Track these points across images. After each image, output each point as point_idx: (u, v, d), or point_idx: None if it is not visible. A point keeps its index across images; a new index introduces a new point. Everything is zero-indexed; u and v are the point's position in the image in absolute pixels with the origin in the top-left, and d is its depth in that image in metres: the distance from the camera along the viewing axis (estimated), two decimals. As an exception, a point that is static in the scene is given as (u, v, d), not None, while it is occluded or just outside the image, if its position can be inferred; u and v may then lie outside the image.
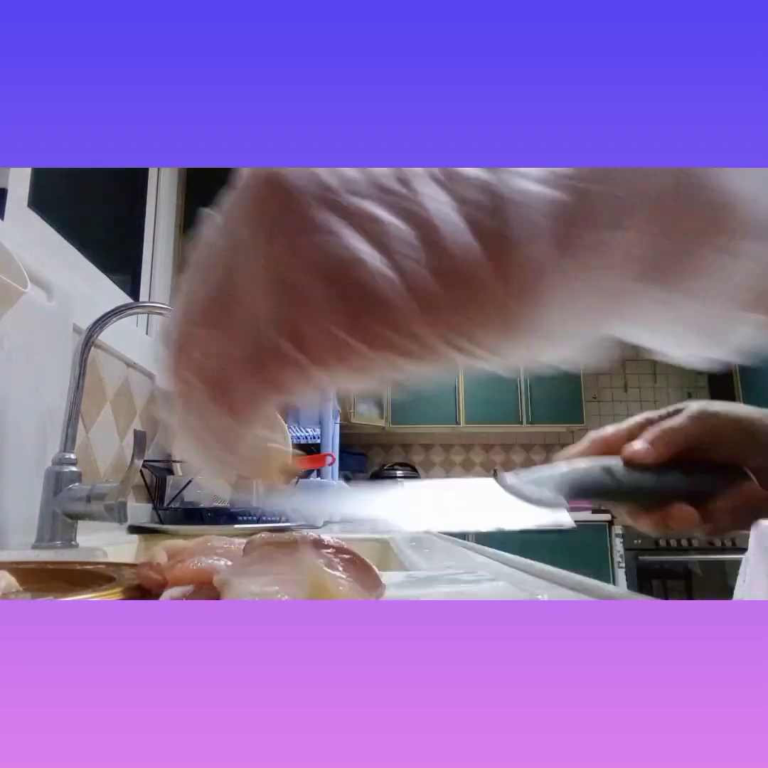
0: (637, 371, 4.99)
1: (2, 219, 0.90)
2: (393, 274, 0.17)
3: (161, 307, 1.05)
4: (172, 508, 1.25)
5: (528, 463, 4.80)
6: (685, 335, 0.21)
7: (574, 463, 0.43)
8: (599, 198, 0.18)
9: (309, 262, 0.18)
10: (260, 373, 0.19)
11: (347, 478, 4.14)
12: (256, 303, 0.19)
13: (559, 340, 0.19)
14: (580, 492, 0.42)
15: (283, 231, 0.19)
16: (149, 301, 1.51)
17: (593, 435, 0.47)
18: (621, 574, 3.42)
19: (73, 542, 0.85)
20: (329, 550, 0.34)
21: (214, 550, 0.36)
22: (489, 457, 4.79)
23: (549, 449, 4.75)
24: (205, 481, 0.24)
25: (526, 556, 0.68)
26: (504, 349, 0.19)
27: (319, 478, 1.78)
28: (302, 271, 0.18)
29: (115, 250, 1.47)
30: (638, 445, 0.42)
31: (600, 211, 0.18)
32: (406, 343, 0.18)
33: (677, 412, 0.44)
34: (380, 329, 0.17)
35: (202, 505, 1.27)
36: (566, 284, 0.18)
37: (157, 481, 1.43)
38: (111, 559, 0.84)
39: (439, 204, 0.17)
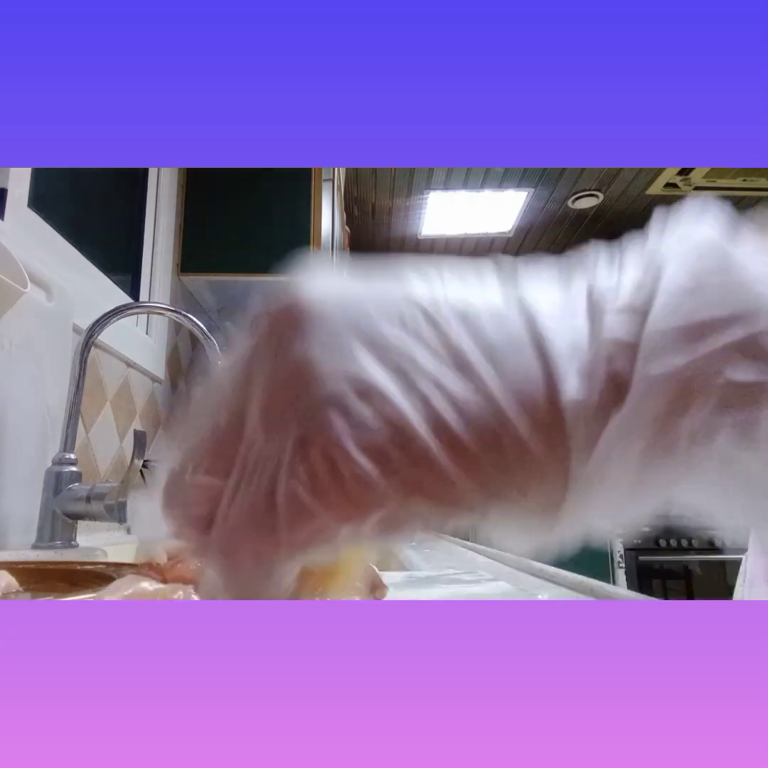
0: (637, 371, 4.98)
1: (2, 219, 0.90)
2: (427, 422, 0.15)
3: (161, 307, 1.05)
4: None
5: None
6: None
7: None
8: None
9: (333, 395, 0.16)
10: (273, 535, 0.16)
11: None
12: (268, 445, 0.17)
13: (610, 512, 0.17)
14: None
15: (304, 358, 0.16)
16: (149, 301, 1.51)
17: None
18: (621, 574, 3.42)
19: (73, 542, 0.85)
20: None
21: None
22: (489, 457, 4.77)
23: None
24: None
25: (525, 556, 0.68)
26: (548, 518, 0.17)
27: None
28: (326, 406, 0.16)
29: (115, 250, 1.47)
30: None
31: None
32: (439, 491, 0.16)
33: None
34: (414, 474, 0.16)
35: (202, 505, 1.26)
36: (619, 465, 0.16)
37: (157, 481, 1.42)
38: (111, 559, 0.84)
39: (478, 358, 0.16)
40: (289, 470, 0.16)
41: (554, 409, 0.15)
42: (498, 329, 0.16)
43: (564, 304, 0.17)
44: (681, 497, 0.17)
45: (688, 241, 0.17)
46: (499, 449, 0.15)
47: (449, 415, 0.15)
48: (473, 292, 0.17)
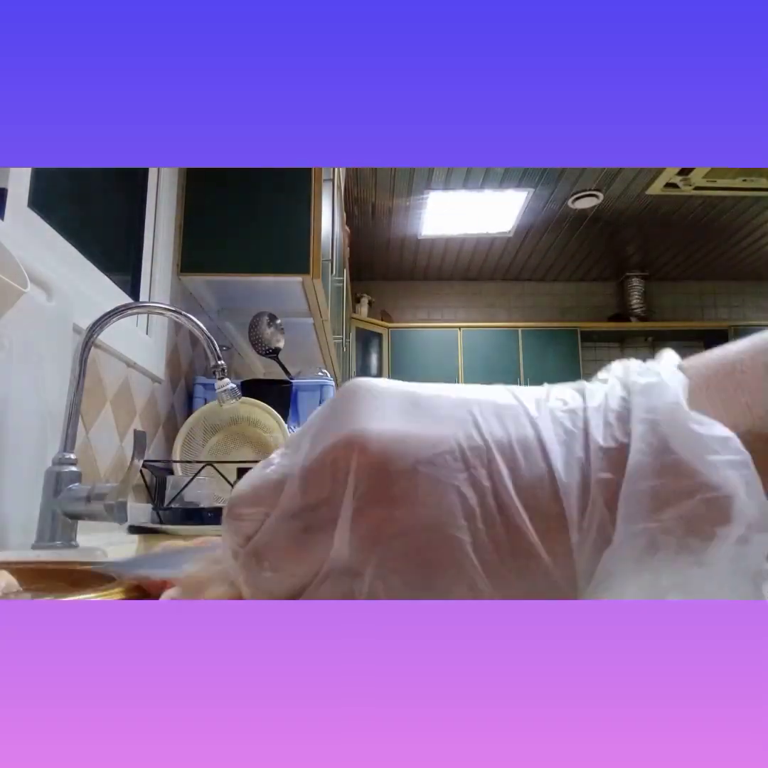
0: (637, 371, 4.98)
1: (2, 219, 0.90)
2: (469, 546, 0.20)
3: (161, 307, 1.05)
4: (172, 508, 1.25)
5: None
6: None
7: None
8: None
9: (405, 531, 0.20)
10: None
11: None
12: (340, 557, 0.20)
13: None
14: None
15: (377, 501, 0.20)
16: (149, 301, 1.51)
17: None
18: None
19: (73, 542, 0.85)
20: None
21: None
22: (489, 457, 4.77)
23: (549, 449, 4.74)
24: None
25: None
26: None
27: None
28: (388, 536, 0.20)
29: (115, 250, 1.47)
30: None
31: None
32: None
33: None
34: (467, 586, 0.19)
35: (202, 505, 1.27)
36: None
37: (157, 481, 1.43)
38: (111, 559, 0.84)
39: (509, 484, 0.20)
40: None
41: (565, 541, 0.20)
42: (526, 466, 0.20)
43: (572, 437, 0.21)
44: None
45: (654, 408, 0.21)
46: (524, 572, 0.19)
47: (488, 539, 0.20)
48: (509, 429, 0.21)
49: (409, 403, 0.22)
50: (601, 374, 0.24)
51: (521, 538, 0.19)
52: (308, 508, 0.21)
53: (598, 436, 0.21)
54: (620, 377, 0.23)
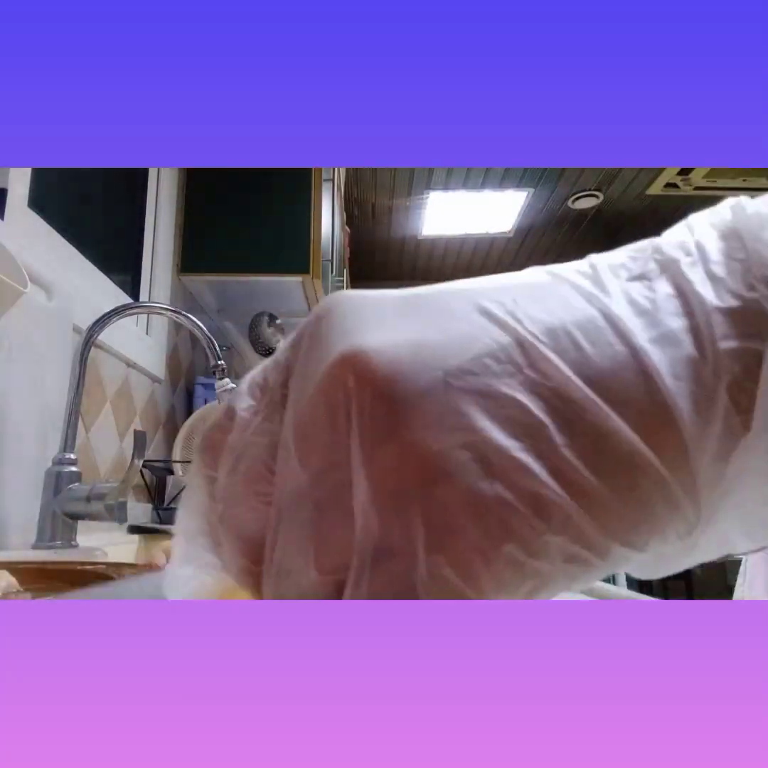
0: (637, 371, 4.98)
1: (2, 219, 0.90)
2: (545, 471, 0.14)
3: (161, 307, 1.05)
4: (172, 508, 1.25)
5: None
6: None
7: None
8: None
9: (435, 469, 0.14)
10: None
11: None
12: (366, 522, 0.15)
13: (750, 528, 0.16)
14: None
15: (397, 437, 0.14)
16: (149, 301, 1.51)
17: None
18: (621, 574, 3.42)
19: (73, 542, 0.85)
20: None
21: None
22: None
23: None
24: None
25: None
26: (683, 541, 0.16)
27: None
28: (423, 482, 0.14)
29: (115, 250, 1.47)
30: None
31: None
32: (578, 551, 0.15)
33: None
34: (549, 540, 0.14)
35: (202, 505, 1.27)
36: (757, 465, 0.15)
37: (157, 481, 1.43)
38: (111, 559, 0.84)
39: (565, 378, 0.14)
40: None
41: (677, 441, 0.14)
42: (596, 353, 0.15)
43: (656, 306, 0.15)
44: None
45: None
46: (614, 476, 0.14)
47: (554, 454, 0.14)
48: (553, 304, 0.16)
49: (409, 305, 0.16)
50: (671, 234, 0.18)
51: (617, 445, 0.14)
52: (314, 480, 0.15)
53: (707, 294, 0.15)
54: (713, 222, 0.17)
